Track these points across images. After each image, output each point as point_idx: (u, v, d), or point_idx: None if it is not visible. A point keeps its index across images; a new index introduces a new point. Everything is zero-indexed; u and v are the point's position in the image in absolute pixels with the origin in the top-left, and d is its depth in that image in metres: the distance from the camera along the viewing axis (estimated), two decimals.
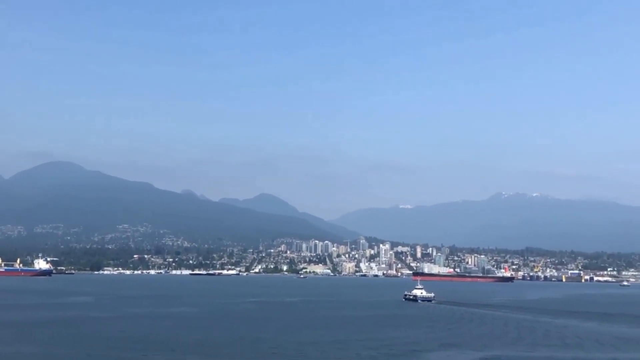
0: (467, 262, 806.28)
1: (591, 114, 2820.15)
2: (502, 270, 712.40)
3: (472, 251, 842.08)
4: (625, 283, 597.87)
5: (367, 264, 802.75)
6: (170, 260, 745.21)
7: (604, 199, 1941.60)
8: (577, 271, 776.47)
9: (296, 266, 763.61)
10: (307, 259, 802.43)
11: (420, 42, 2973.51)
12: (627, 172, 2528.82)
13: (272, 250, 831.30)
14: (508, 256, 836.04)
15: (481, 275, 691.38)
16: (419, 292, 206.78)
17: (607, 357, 78.12)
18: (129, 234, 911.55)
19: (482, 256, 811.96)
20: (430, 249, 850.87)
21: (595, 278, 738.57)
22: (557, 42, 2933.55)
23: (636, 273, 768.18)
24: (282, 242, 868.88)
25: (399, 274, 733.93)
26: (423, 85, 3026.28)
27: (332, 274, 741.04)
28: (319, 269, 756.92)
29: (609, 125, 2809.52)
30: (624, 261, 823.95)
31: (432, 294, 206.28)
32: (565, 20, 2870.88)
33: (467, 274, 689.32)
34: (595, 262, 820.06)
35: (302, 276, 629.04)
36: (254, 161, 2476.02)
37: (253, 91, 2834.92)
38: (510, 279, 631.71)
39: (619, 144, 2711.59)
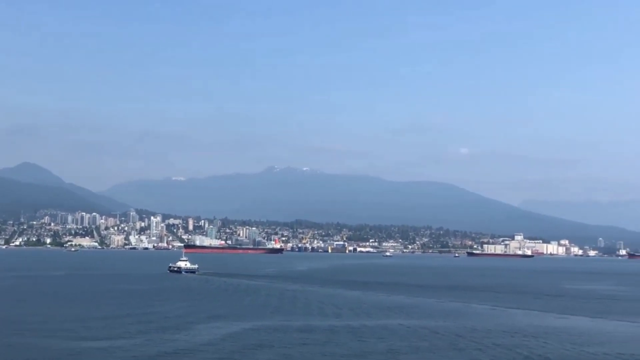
0: (239, 235, 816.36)
1: (361, 94, 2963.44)
2: (273, 242, 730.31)
3: (243, 224, 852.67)
4: (388, 254, 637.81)
5: (137, 236, 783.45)
6: None
7: (369, 174, 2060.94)
8: (342, 242, 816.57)
9: (61, 239, 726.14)
10: (73, 232, 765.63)
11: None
12: (391, 149, 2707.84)
13: (34, 223, 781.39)
14: (278, 228, 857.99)
15: (252, 247, 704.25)
16: (183, 264, 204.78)
17: (358, 324, 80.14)
18: None
19: (254, 228, 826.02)
20: (203, 221, 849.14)
21: (358, 249, 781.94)
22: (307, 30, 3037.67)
23: (395, 244, 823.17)
24: (46, 214, 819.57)
25: (170, 246, 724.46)
26: None
27: (99, 247, 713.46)
28: (86, 242, 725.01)
29: (377, 104, 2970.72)
30: (384, 233, 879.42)
31: (196, 266, 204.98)
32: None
33: (238, 246, 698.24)
34: (358, 234, 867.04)
35: (72, 249, 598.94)
36: (14, 127, 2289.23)
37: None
38: (280, 250, 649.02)
39: (384, 122, 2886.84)
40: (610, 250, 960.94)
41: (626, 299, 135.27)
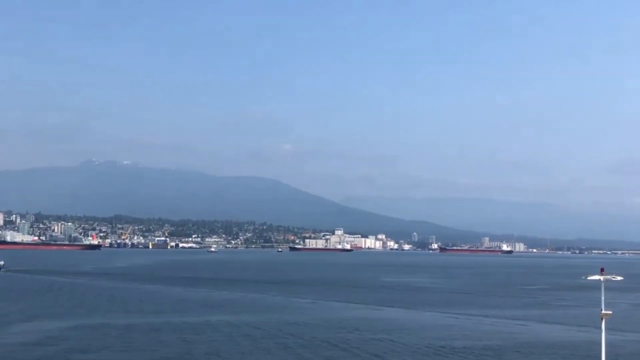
0: (54, 230, 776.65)
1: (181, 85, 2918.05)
2: (90, 238, 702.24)
3: (59, 219, 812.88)
4: (212, 249, 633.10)
5: None
6: None
7: (192, 169, 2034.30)
8: (163, 238, 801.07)
9: None
10: None
11: None
12: (214, 144, 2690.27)
13: None
14: (96, 224, 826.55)
15: (67, 243, 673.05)
16: None
17: (180, 321, 78.40)
18: None
19: (70, 224, 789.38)
20: (14, 216, 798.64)
21: (181, 245, 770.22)
22: None
23: (218, 239, 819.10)
24: None
25: None
26: None
27: None
28: None
29: (198, 97, 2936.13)
30: (207, 228, 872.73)
31: (2, 262, 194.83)
32: None
33: (52, 242, 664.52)
34: (181, 230, 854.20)
35: None
36: None
37: None
38: (98, 246, 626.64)
39: (206, 116, 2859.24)
40: (424, 244, 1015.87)
41: (438, 291, 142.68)
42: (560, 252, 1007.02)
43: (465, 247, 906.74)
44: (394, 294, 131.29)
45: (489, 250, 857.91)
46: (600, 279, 32.50)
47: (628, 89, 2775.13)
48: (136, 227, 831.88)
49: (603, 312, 32.06)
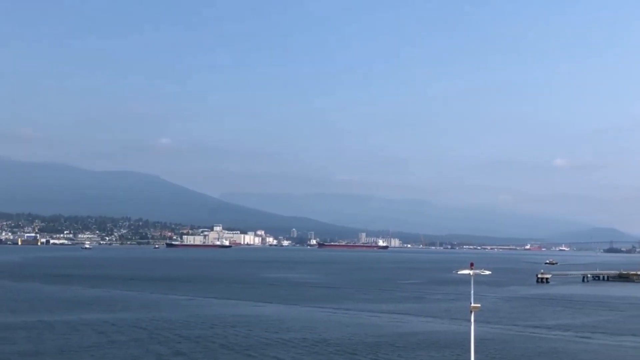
0: None
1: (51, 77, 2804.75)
2: None
3: None
4: (86, 245, 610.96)
5: None
6: None
7: (65, 163, 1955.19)
8: (33, 234, 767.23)
9: None
10: None
11: None
12: (89, 138, 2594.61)
13: None
14: None
15: None
16: None
17: (53, 320, 75.66)
18: None
19: None
20: None
21: (52, 241, 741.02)
22: None
23: (92, 236, 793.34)
24: None
25: None
26: None
27: None
28: None
29: (73, 88, 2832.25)
30: (80, 224, 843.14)
31: None
32: None
33: None
34: (52, 225, 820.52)
35: None
36: None
37: None
38: None
39: (82, 108, 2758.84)
40: (303, 240, 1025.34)
41: (316, 286, 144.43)
42: (433, 248, 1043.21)
43: (343, 243, 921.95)
44: (273, 289, 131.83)
45: (366, 246, 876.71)
46: (469, 273, 34.03)
47: (500, 91, 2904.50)
48: (4, 223, 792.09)
49: (472, 305, 33.59)
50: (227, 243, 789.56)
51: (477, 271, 34.04)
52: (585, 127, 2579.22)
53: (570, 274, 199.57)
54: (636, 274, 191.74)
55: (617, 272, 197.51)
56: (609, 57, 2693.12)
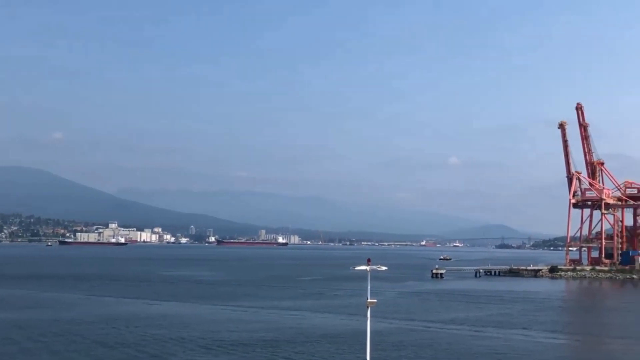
0: None
1: None
2: None
3: None
4: None
5: None
6: None
7: None
8: None
9: None
10: None
11: None
12: None
13: None
14: None
15: None
16: None
17: None
18: None
19: None
20: None
21: None
22: None
23: None
24: None
25: None
26: None
27: None
28: None
29: None
30: None
31: None
32: None
33: None
34: None
35: None
36: None
37: None
38: None
39: None
40: (201, 237, 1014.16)
41: (215, 284, 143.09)
42: (332, 244, 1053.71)
43: (243, 240, 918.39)
44: (171, 287, 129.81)
45: (266, 243, 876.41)
46: (366, 269, 34.53)
47: (395, 92, 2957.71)
48: None
49: (369, 300, 34.08)
50: (123, 241, 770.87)
51: (374, 267, 34.52)
52: (477, 126, 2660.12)
53: (464, 270, 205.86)
54: (526, 269, 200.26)
55: (508, 267, 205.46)
56: (496, 58, 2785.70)
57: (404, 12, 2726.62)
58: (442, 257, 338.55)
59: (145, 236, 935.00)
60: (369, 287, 35.19)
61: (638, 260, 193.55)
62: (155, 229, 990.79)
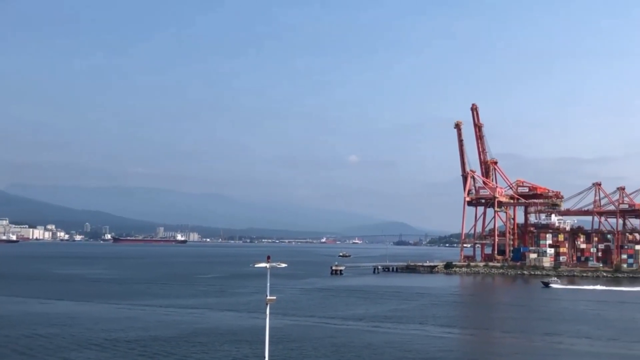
0: None
1: None
2: None
3: None
4: None
5: None
6: None
7: None
8: None
9: None
10: None
11: None
12: None
13: None
14: None
15: None
16: None
17: None
18: None
19: None
20: None
21: None
22: None
23: None
24: None
25: None
26: None
27: None
28: None
29: None
30: None
31: None
32: None
33: None
34: None
35: None
36: None
37: None
38: None
39: None
40: (97, 235, 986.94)
41: (112, 282, 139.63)
42: (232, 242, 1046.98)
43: (140, 238, 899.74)
44: (65, 286, 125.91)
45: (164, 240, 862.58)
46: (266, 266, 34.66)
47: (310, 89, 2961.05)
48: None
49: (268, 297, 34.22)
50: (14, 238, 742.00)
51: (274, 264, 34.63)
52: (376, 125, 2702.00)
53: (363, 266, 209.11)
54: (422, 266, 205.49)
55: (405, 263, 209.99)
56: (397, 59, 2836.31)
57: (310, 11, 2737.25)
58: (341, 253, 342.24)
59: (37, 233, 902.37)
60: (268, 285, 35.29)
61: (529, 257, 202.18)
62: (49, 226, 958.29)
